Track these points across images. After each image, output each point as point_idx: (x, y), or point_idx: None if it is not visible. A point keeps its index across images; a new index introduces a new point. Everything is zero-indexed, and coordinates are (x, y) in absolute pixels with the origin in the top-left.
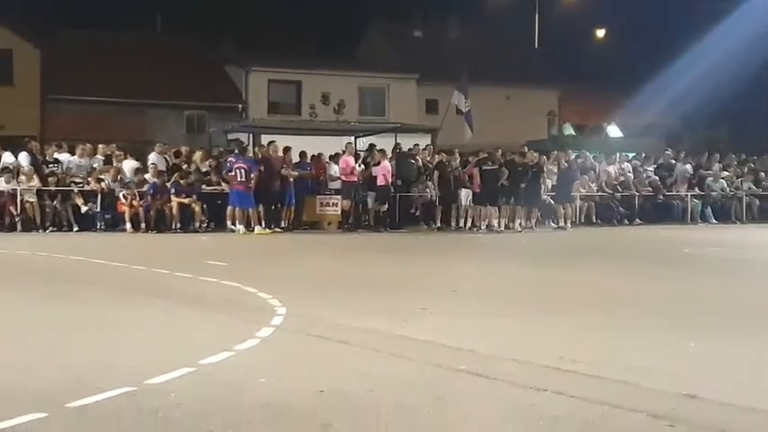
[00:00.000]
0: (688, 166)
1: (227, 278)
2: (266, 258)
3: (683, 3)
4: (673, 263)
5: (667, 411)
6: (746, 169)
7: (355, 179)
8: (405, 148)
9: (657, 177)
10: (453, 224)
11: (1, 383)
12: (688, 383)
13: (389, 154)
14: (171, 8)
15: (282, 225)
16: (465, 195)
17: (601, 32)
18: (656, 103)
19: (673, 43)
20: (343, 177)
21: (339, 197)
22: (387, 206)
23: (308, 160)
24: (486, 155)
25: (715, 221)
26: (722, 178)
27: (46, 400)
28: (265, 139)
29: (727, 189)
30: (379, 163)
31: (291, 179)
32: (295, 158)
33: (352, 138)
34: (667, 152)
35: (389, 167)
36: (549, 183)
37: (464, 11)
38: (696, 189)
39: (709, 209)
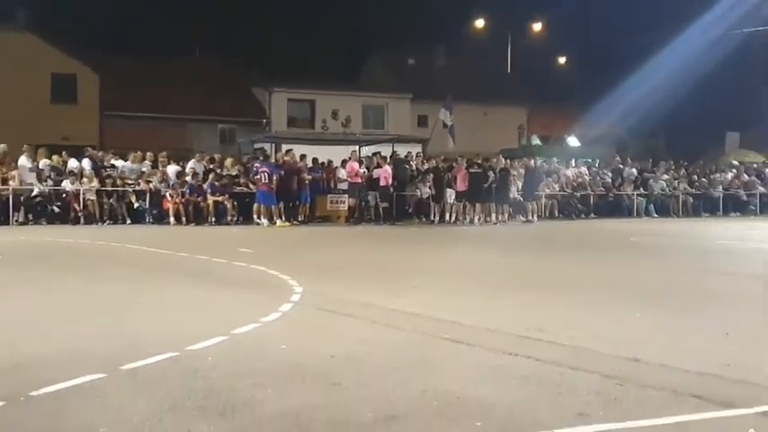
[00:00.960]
0: (633, 170)
1: (254, 263)
2: (286, 246)
3: (628, 35)
4: (621, 249)
5: (616, 372)
6: (682, 172)
7: (359, 181)
8: (401, 155)
9: (609, 179)
10: (437, 219)
11: (68, 349)
12: (633, 349)
13: (388, 160)
14: (208, 39)
15: (299, 219)
16: (450, 194)
17: (562, 59)
18: (607, 117)
19: (621, 68)
20: (349, 179)
21: (346, 196)
22: (386, 203)
23: (320, 165)
24: (464, 161)
25: (656, 216)
26: (662, 180)
27: (105, 364)
28: (285, 147)
29: (667, 189)
30: (379, 167)
31: (307, 181)
32: (309, 164)
33: (357, 147)
34: (616, 158)
35: (389, 171)
36: (519, 183)
37: (449, 42)
38: (641, 189)
39: (651, 205)
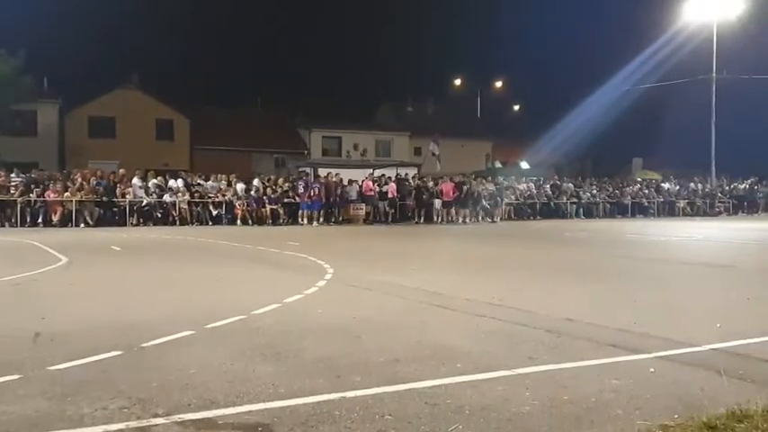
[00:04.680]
0: (570, 185)
1: (299, 251)
2: (322, 240)
3: (564, 88)
4: (558, 240)
5: (556, 328)
6: (602, 186)
7: (372, 194)
8: (402, 175)
9: (549, 191)
10: (416, 220)
11: (167, 313)
12: (568, 311)
13: (394, 179)
14: (267, 92)
15: (332, 221)
16: (437, 203)
17: (516, 107)
18: (548, 147)
19: (558, 112)
20: (366, 193)
21: (363, 204)
22: (393, 209)
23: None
24: (448, 178)
25: (584, 217)
26: (588, 191)
27: (194, 324)
28: (320, 170)
29: (591, 198)
30: (387, 184)
31: (338, 192)
32: (345, 182)
33: (371, 170)
34: (555, 176)
35: (395, 187)
36: (487, 195)
37: (436, 95)
38: (573, 198)
39: (581, 210)
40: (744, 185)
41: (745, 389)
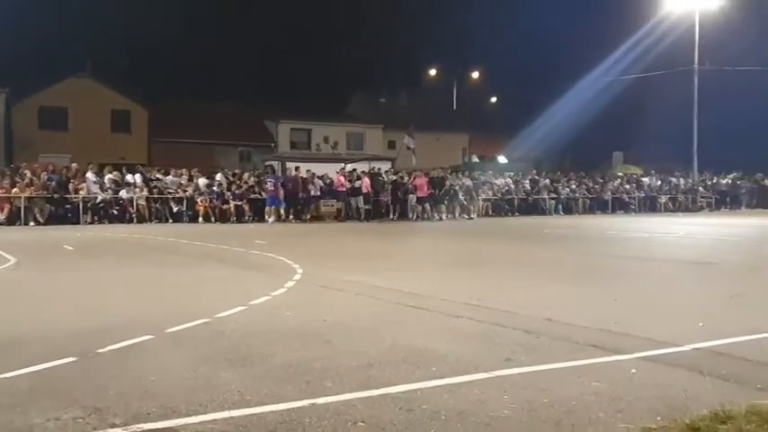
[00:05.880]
0: (547, 181)
1: (266, 250)
2: (291, 238)
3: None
4: (537, 238)
5: (535, 329)
6: (582, 181)
7: (344, 189)
8: (375, 170)
9: (528, 187)
10: (396, 216)
11: (125, 317)
12: (547, 311)
13: (368, 173)
14: (232, 82)
15: (301, 217)
16: (412, 198)
17: (493, 99)
18: (527, 142)
19: (538, 106)
20: (337, 188)
21: (335, 200)
22: (368, 206)
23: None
24: (423, 173)
25: (563, 213)
26: (568, 187)
27: (153, 328)
28: (288, 165)
29: (571, 194)
30: (360, 179)
31: (311, 189)
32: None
33: (343, 164)
34: (534, 172)
35: (368, 182)
36: (463, 190)
37: (411, 86)
38: (552, 194)
39: (560, 206)
40: (726, 180)
41: (728, 389)
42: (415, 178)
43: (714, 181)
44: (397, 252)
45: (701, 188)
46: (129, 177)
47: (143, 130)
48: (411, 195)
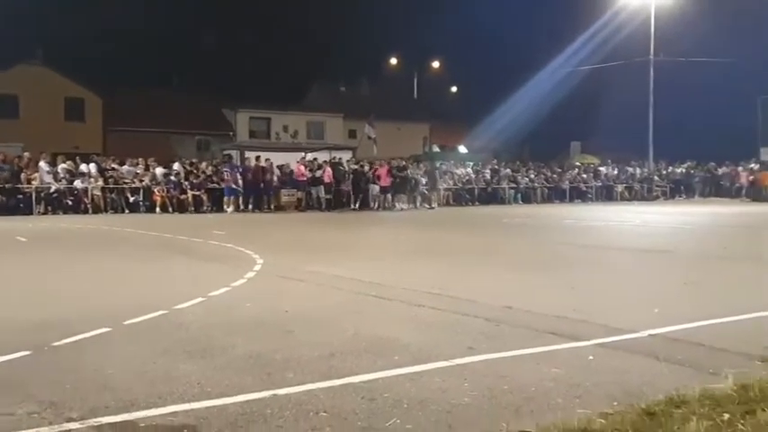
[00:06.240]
0: (508, 170)
1: (225, 241)
2: (251, 229)
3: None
4: (497, 227)
5: (495, 317)
6: (540, 171)
7: (304, 179)
8: (336, 159)
9: (488, 176)
10: (357, 206)
11: (81, 309)
12: (507, 299)
13: (328, 163)
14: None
15: (262, 208)
16: (373, 188)
17: (453, 89)
18: (487, 133)
19: (497, 96)
20: (298, 178)
21: (295, 190)
22: (330, 195)
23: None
24: (384, 163)
25: (522, 203)
26: (527, 177)
27: (110, 320)
28: (247, 154)
29: (530, 183)
30: (321, 168)
31: (271, 180)
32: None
33: (303, 153)
34: (494, 161)
35: (330, 171)
36: (424, 180)
37: (371, 75)
38: (512, 183)
39: (519, 195)
40: (680, 169)
41: (682, 374)
42: (376, 168)
43: (669, 170)
44: (359, 242)
45: (656, 177)
46: (83, 167)
47: (97, 119)
48: (372, 185)
